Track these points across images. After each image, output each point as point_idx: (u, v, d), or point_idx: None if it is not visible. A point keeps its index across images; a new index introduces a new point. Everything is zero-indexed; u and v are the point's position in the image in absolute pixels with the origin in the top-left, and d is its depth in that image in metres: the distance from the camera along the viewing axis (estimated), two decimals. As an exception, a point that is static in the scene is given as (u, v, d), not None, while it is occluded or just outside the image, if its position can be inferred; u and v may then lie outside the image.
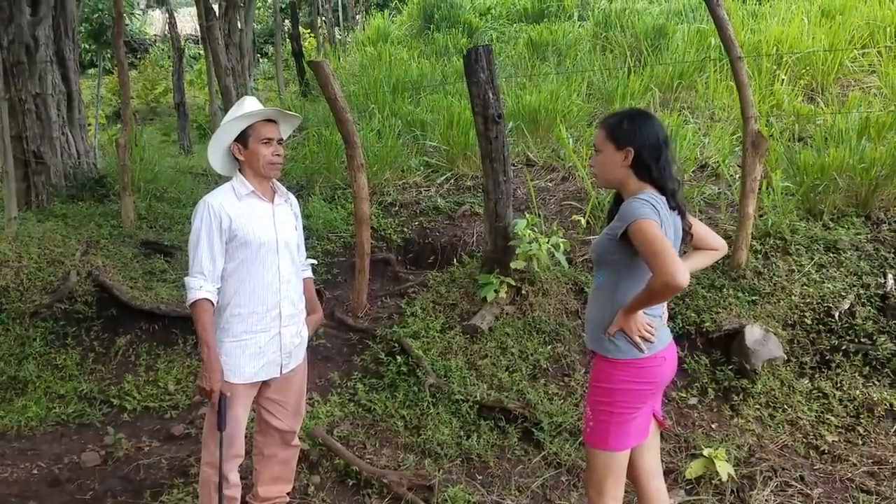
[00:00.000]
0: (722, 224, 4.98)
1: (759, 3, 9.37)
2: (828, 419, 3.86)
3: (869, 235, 4.77)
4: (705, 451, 3.32)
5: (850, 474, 3.49)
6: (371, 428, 3.97)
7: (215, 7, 10.43)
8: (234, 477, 2.87)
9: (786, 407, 3.96)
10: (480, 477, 3.59)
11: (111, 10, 9.53)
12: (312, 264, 3.22)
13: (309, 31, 18.32)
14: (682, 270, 2.11)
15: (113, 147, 7.84)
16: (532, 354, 4.36)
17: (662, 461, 2.74)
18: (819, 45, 7.26)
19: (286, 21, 15.83)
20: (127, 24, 14.18)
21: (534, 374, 4.28)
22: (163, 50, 20.15)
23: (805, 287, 4.47)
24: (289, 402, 2.99)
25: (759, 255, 4.73)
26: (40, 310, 5.05)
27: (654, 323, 2.38)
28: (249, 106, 2.77)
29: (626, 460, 2.45)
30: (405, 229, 5.91)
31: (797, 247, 4.72)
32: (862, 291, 4.39)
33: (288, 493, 3.20)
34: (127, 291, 5.19)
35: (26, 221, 6.06)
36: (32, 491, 3.65)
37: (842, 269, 4.54)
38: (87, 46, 15.07)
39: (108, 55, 14.65)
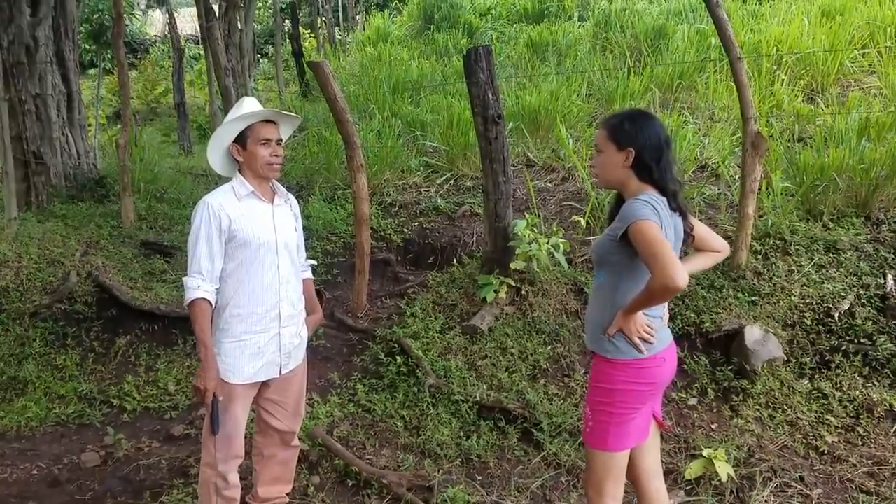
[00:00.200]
0: (722, 224, 4.98)
1: (759, 4, 9.38)
2: (827, 420, 3.86)
3: (869, 236, 4.77)
4: (705, 452, 3.31)
5: (849, 475, 3.49)
6: (371, 428, 3.97)
7: (215, 7, 10.43)
8: (233, 478, 2.87)
9: (785, 407, 3.96)
10: (480, 477, 3.59)
11: (111, 11, 9.53)
12: (312, 265, 3.22)
13: (309, 31, 18.33)
14: (681, 272, 2.11)
15: (113, 147, 7.84)
16: (532, 355, 4.36)
17: (662, 462, 2.74)
18: (819, 45, 7.26)
19: (286, 21, 15.84)
20: (127, 25, 14.19)
21: (533, 374, 4.28)
22: (163, 50, 20.15)
23: (805, 287, 4.47)
24: (288, 402, 2.99)
25: (759, 256, 4.73)
26: (40, 310, 5.05)
27: (655, 324, 2.38)
28: (248, 107, 2.77)
29: (625, 461, 2.45)
30: (405, 230, 5.91)
31: (797, 247, 4.72)
32: (862, 292, 4.39)
33: (287, 494, 3.20)
34: (127, 292, 5.19)
35: (26, 222, 6.06)
36: (32, 491, 3.65)
37: (841, 270, 4.54)
38: (87, 47, 15.07)
39: (108, 55, 14.65)
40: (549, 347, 4.42)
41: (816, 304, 4.37)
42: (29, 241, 5.58)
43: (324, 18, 17.80)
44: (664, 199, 2.31)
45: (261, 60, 18.86)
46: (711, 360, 4.30)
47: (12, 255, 5.36)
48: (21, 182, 6.57)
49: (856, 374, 4.06)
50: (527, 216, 4.76)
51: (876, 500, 3.33)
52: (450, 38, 10.75)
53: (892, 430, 3.80)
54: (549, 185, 6.12)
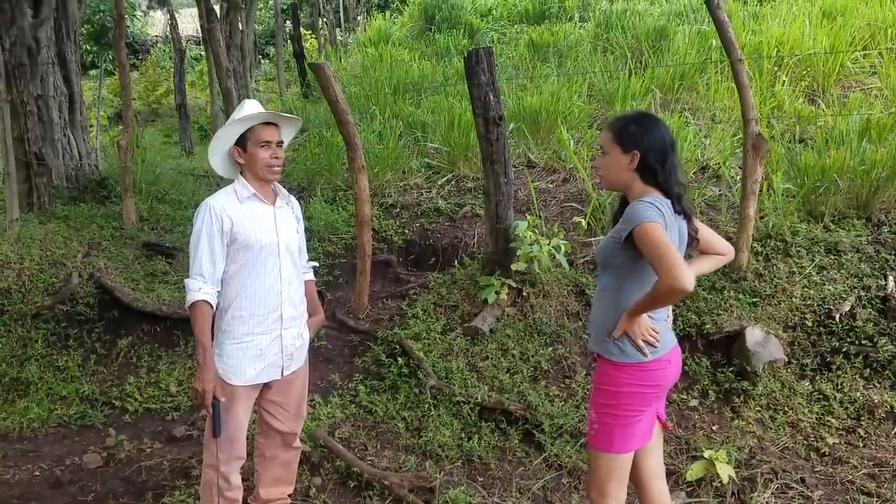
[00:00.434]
0: (723, 226, 4.98)
1: (760, 5, 9.37)
2: (828, 421, 3.87)
3: (870, 237, 4.77)
4: (706, 453, 3.32)
5: (850, 476, 3.49)
6: (372, 429, 3.97)
7: (216, 8, 10.44)
8: (235, 479, 2.88)
9: (786, 409, 3.97)
10: (481, 479, 3.59)
11: (112, 12, 9.53)
12: (314, 267, 3.23)
13: (310, 32, 18.32)
14: (688, 274, 2.11)
15: (114, 149, 7.83)
16: (533, 356, 4.36)
17: (663, 463, 2.74)
18: (820, 46, 7.26)
19: (287, 22, 15.85)
20: (128, 26, 14.20)
21: (535, 375, 4.28)
22: (164, 51, 20.15)
23: (806, 289, 4.47)
24: (290, 403, 3.00)
25: (760, 257, 4.73)
26: (42, 311, 5.06)
27: (659, 326, 2.38)
28: (248, 109, 2.78)
29: (629, 462, 2.45)
30: (406, 231, 5.92)
31: (798, 249, 4.72)
32: (863, 293, 4.39)
33: (289, 495, 3.20)
34: (128, 293, 5.20)
35: (28, 223, 6.07)
36: (34, 492, 3.66)
37: (842, 271, 4.54)
38: (89, 48, 15.06)
39: (110, 57, 14.64)
40: (551, 349, 4.42)
41: (817, 305, 4.38)
42: (31, 243, 5.59)
43: (325, 19, 17.81)
44: (668, 201, 2.32)
45: (262, 61, 18.87)
46: (712, 361, 4.30)
47: (14, 257, 5.37)
48: (23, 183, 6.57)
49: (857, 376, 4.06)
50: (528, 217, 4.76)
51: (877, 501, 3.34)
52: (451, 39, 10.74)
53: (892, 432, 3.80)
54: (551, 186, 6.13)
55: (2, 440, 4.20)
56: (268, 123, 2.79)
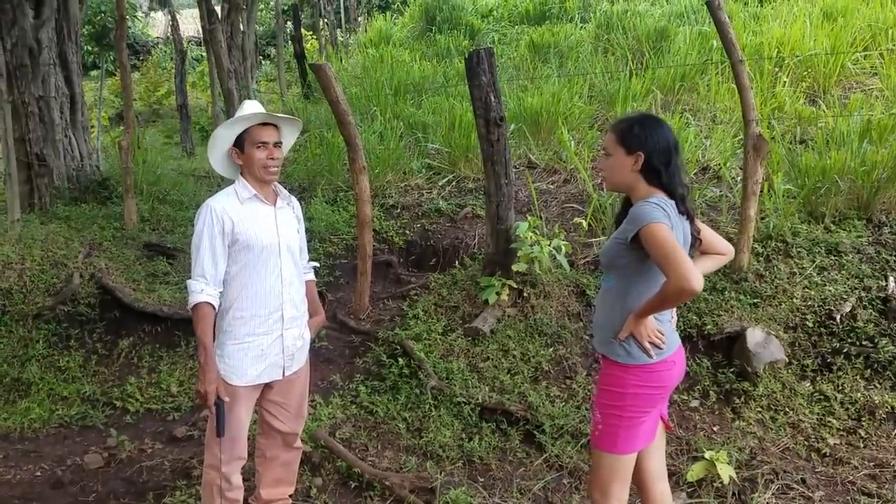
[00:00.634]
0: (723, 227, 4.98)
1: (761, 6, 9.38)
2: (829, 422, 3.87)
3: (870, 238, 4.78)
4: (707, 454, 3.33)
5: (851, 477, 3.49)
6: (373, 430, 3.98)
7: (217, 9, 10.45)
8: (236, 479, 2.88)
9: (787, 409, 3.97)
10: (482, 479, 3.59)
11: (113, 13, 9.55)
12: (315, 267, 3.23)
13: (311, 33, 18.33)
14: (696, 275, 2.11)
15: (116, 149, 7.84)
16: (534, 357, 4.37)
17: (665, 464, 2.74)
18: (821, 47, 7.25)
19: (288, 23, 15.86)
20: (129, 27, 14.20)
21: (535, 376, 4.28)
22: (165, 52, 20.18)
23: (806, 290, 4.48)
24: (291, 404, 3.00)
25: (761, 258, 4.73)
26: (43, 312, 5.06)
27: (664, 328, 2.38)
28: (246, 110, 2.78)
29: (632, 463, 2.45)
30: (407, 231, 5.92)
31: (799, 249, 4.73)
32: (863, 294, 4.39)
33: (290, 496, 3.20)
34: (130, 293, 5.20)
35: (29, 224, 6.07)
36: (35, 493, 3.67)
37: (843, 272, 4.54)
38: (90, 49, 15.09)
39: (111, 57, 14.66)
40: (551, 349, 4.43)
41: (818, 306, 4.38)
42: (32, 243, 5.60)
43: (326, 20, 17.82)
44: (673, 202, 2.33)
45: (263, 62, 18.88)
46: (713, 362, 4.31)
47: (15, 257, 5.38)
48: (24, 184, 6.58)
49: (857, 377, 4.07)
50: (528, 218, 4.76)
51: (878, 502, 3.34)
52: (451, 39, 10.75)
53: (893, 433, 3.80)
54: (551, 187, 6.13)
55: (3, 440, 4.20)
56: (265, 124, 2.79)
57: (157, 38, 22.54)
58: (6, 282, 5.16)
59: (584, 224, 5.15)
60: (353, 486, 3.52)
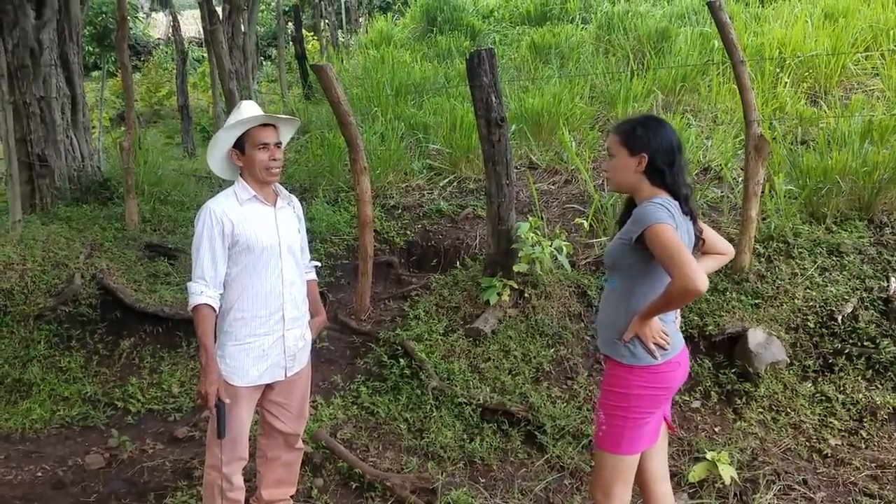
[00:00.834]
0: (725, 227, 4.98)
1: (762, 6, 9.37)
2: (831, 423, 3.86)
3: (872, 239, 4.77)
4: (708, 455, 3.33)
5: (853, 478, 3.49)
6: (374, 431, 3.98)
7: (219, 10, 10.46)
8: (237, 480, 2.88)
9: (789, 410, 3.96)
10: (483, 480, 3.59)
11: (115, 14, 9.56)
12: (316, 266, 3.23)
13: (312, 33, 18.34)
14: (701, 275, 2.12)
15: (117, 150, 7.84)
16: (535, 357, 4.37)
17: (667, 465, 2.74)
18: (822, 48, 7.25)
19: (289, 24, 15.87)
20: (130, 28, 14.22)
21: (537, 377, 4.28)
22: (166, 53, 20.19)
23: (808, 290, 4.47)
24: (292, 404, 3.00)
25: (762, 259, 4.73)
26: (44, 312, 5.07)
27: (668, 329, 2.38)
28: (245, 112, 2.77)
29: (635, 464, 2.45)
30: (408, 232, 5.92)
31: (800, 250, 4.72)
32: (865, 295, 4.39)
33: (291, 496, 3.20)
34: (131, 294, 5.20)
35: (31, 224, 6.08)
36: (37, 493, 3.67)
37: (845, 273, 4.54)
38: (91, 49, 15.11)
39: (112, 58, 14.68)
40: (553, 350, 4.43)
41: (819, 306, 4.38)
42: (33, 244, 5.60)
43: (327, 21, 17.83)
44: (676, 202, 2.33)
45: (264, 63, 18.88)
46: (715, 362, 4.30)
47: (17, 258, 5.38)
48: (25, 185, 6.58)
49: (859, 377, 4.06)
50: (530, 219, 4.76)
51: (879, 503, 3.33)
52: (452, 40, 10.75)
53: (895, 434, 3.79)
54: (552, 187, 6.13)
55: (4, 441, 4.20)
56: (265, 125, 2.79)
57: (159, 38, 22.56)
58: (7, 282, 5.16)
59: (586, 225, 5.15)
60: (354, 486, 3.52)
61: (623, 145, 2.38)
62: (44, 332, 4.99)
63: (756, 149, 4.43)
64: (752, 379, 4.10)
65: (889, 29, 7.50)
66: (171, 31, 15.09)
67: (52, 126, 6.78)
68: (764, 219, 4.94)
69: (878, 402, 3.90)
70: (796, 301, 4.42)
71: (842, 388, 4.03)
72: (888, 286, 4.39)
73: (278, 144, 2.82)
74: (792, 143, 5.92)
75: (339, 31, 18.50)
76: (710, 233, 2.58)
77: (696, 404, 4.12)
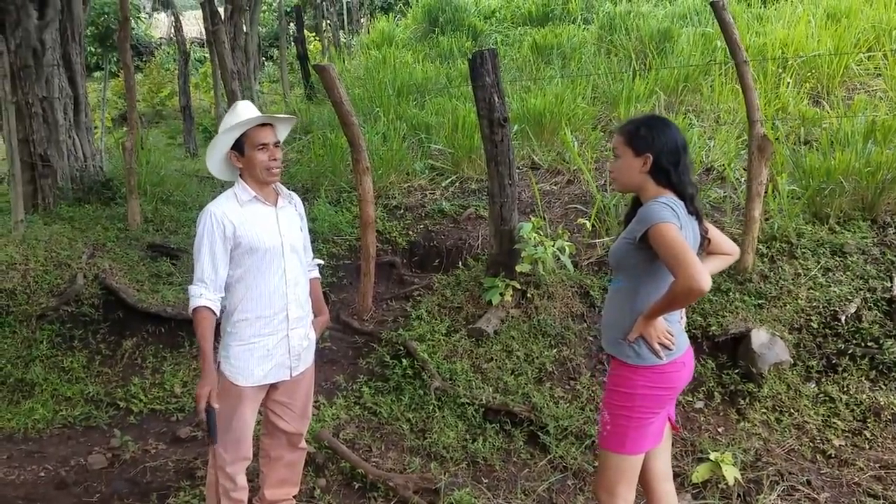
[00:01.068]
0: (728, 227, 4.97)
1: (765, 7, 9.36)
2: (834, 423, 3.85)
3: (875, 239, 4.76)
4: (712, 455, 3.32)
5: (856, 478, 3.48)
6: (377, 431, 3.97)
7: (221, 11, 10.47)
8: (241, 479, 2.88)
9: (792, 411, 3.95)
10: (486, 480, 3.59)
11: (117, 14, 9.56)
12: (319, 264, 3.22)
13: (314, 34, 18.34)
14: (705, 274, 2.12)
15: (119, 150, 7.84)
16: (537, 358, 4.36)
17: (671, 465, 2.73)
18: (824, 48, 7.24)
19: (291, 24, 15.87)
20: (133, 28, 14.24)
21: (539, 377, 4.28)
22: (168, 53, 20.19)
23: (811, 291, 4.46)
24: (296, 404, 3.00)
25: (766, 259, 4.72)
26: (47, 312, 5.07)
27: (673, 329, 2.38)
28: (242, 113, 2.75)
29: (639, 464, 2.45)
30: (410, 232, 5.92)
31: (803, 250, 4.72)
32: (868, 295, 4.38)
33: (294, 496, 3.20)
34: (133, 294, 5.21)
35: (33, 224, 6.08)
36: (39, 493, 3.67)
37: (848, 273, 4.53)
38: (94, 50, 15.11)
39: (114, 58, 14.68)
40: (555, 350, 4.42)
41: (823, 307, 4.37)
42: (36, 244, 5.61)
43: (328, 21, 17.82)
44: (682, 202, 2.33)
45: (266, 63, 18.88)
46: (718, 363, 4.30)
47: (19, 258, 5.38)
48: (28, 185, 6.59)
49: (862, 378, 4.05)
50: (532, 219, 4.76)
51: (883, 503, 3.32)
52: (454, 40, 10.75)
53: (899, 434, 3.78)
54: (555, 187, 6.12)
55: (7, 441, 4.21)
56: (263, 125, 2.78)
57: (161, 39, 22.56)
58: (10, 282, 5.17)
59: (588, 225, 5.14)
60: (356, 486, 3.52)
61: (628, 146, 2.38)
62: (46, 332, 4.99)
63: (759, 149, 4.42)
64: (756, 379, 4.10)
65: (892, 29, 7.49)
66: (173, 31, 15.07)
67: (54, 126, 6.78)
68: (767, 219, 4.93)
69: (882, 403, 3.89)
70: (800, 301, 4.41)
71: (845, 389, 4.02)
72: (892, 286, 4.39)
73: (277, 144, 2.81)
74: (795, 144, 5.91)
75: (341, 31, 18.50)
76: (715, 233, 2.58)
77: (700, 405, 4.11)
